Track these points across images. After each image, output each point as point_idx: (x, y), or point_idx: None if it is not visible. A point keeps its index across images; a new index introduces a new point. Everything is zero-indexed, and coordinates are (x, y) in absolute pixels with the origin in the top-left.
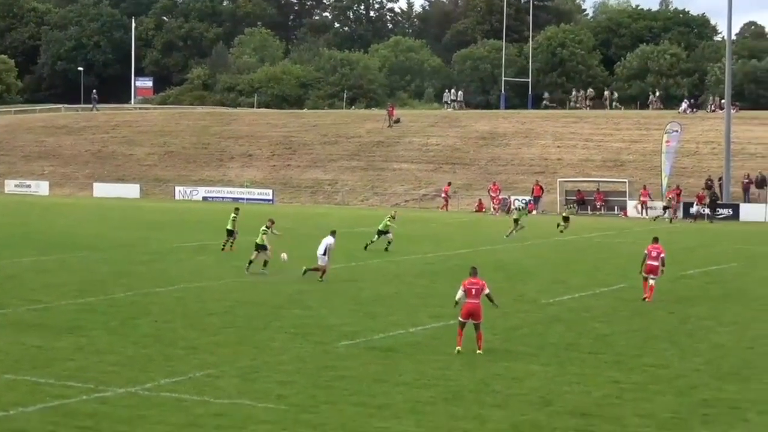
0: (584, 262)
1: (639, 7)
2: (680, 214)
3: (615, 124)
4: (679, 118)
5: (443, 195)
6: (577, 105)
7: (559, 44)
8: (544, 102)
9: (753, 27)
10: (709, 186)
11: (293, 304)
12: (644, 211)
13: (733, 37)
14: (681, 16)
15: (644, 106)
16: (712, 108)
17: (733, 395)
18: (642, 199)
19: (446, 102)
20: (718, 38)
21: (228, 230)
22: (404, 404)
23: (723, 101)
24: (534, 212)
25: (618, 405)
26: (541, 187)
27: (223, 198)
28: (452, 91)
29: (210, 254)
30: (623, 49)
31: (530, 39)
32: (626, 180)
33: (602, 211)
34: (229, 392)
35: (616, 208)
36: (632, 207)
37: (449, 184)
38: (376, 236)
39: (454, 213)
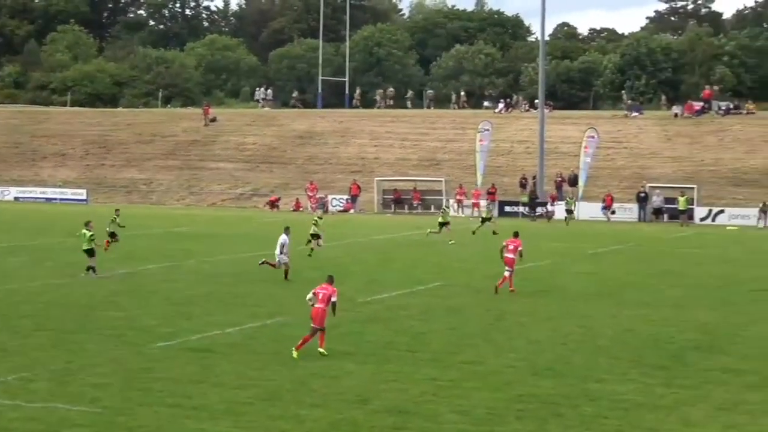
0: (401, 260)
1: (454, 8)
2: (496, 212)
3: (431, 124)
4: (494, 117)
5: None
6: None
7: (376, 43)
8: (355, 101)
9: (566, 28)
10: (523, 184)
11: (108, 305)
12: (460, 209)
13: (547, 38)
14: (496, 16)
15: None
16: (526, 108)
17: (547, 390)
18: (458, 197)
19: (257, 100)
20: (531, 39)
21: (109, 232)
22: (221, 405)
23: (537, 101)
24: (351, 211)
25: (434, 402)
26: (359, 186)
27: (35, 198)
28: (263, 89)
29: (23, 255)
30: (439, 49)
31: (347, 38)
32: (443, 179)
33: (419, 210)
34: (42, 396)
35: (432, 206)
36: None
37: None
38: (314, 241)
39: (269, 213)
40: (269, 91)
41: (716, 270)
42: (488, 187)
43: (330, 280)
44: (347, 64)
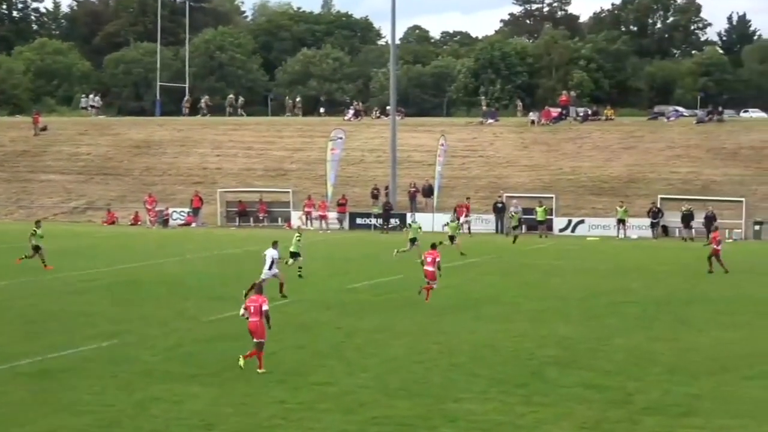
0: (246, 276)
1: (300, 10)
2: (346, 224)
3: (277, 132)
4: (344, 125)
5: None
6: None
7: (218, 47)
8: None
9: (417, 31)
10: (375, 195)
11: None
12: (309, 222)
13: (398, 42)
14: (344, 19)
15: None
16: (377, 114)
17: (403, 411)
18: (306, 209)
19: (84, 108)
20: (382, 42)
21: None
22: None
23: (388, 107)
24: (193, 225)
25: (283, 426)
26: (201, 198)
27: None
28: (91, 95)
29: None
30: (285, 53)
31: (187, 41)
32: (290, 189)
33: (266, 223)
34: None
35: (279, 219)
36: (296, 218)
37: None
38: (291, 259)
39: (105, 228)
40: (97, 98)
41: (576, 282)
42: (339, 198)
43: (259, 290)
44: (187, 69)
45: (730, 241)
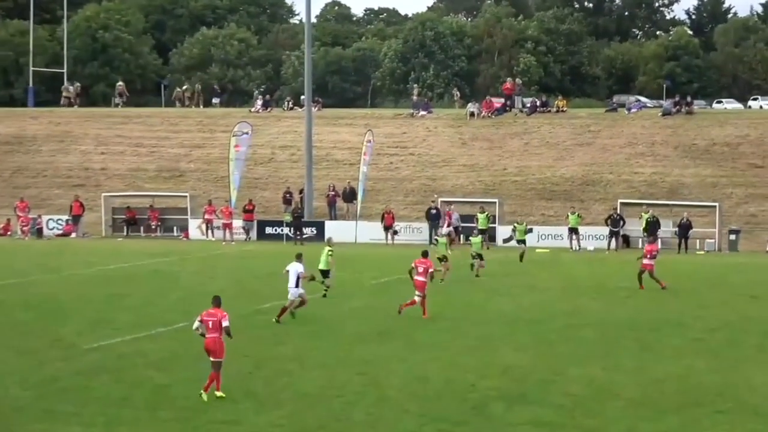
0: (136, 296)
1: None
2: (254, 234)
3: (173, 126)
4: (251, 117)
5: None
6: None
7: (101, 26)
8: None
9: (337, 8)
10: (288, 200)
11: None
12: (210, 231)
13: (314, 21)
14: None
15: (207, 103)
16: (290, 105)
17: None
18: (207, 216)
19: None
20: (295, 21)
21: None
22: None
23: (303, 97)
24: (73, 235)
25: None
26: (82, 204)
27: None
28: None
29: None
30: (181, 34)
31: (65, 19)
32: (187, 194)
33: (159, 233)
34: None
35: (175, 228)
36: (195, 227)
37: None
38: (323, 278)
39: None
40: None
41: (525, 302)
42: (245, 204)
43: (217, 303)
44: (65, 51)
45: (702, 253)
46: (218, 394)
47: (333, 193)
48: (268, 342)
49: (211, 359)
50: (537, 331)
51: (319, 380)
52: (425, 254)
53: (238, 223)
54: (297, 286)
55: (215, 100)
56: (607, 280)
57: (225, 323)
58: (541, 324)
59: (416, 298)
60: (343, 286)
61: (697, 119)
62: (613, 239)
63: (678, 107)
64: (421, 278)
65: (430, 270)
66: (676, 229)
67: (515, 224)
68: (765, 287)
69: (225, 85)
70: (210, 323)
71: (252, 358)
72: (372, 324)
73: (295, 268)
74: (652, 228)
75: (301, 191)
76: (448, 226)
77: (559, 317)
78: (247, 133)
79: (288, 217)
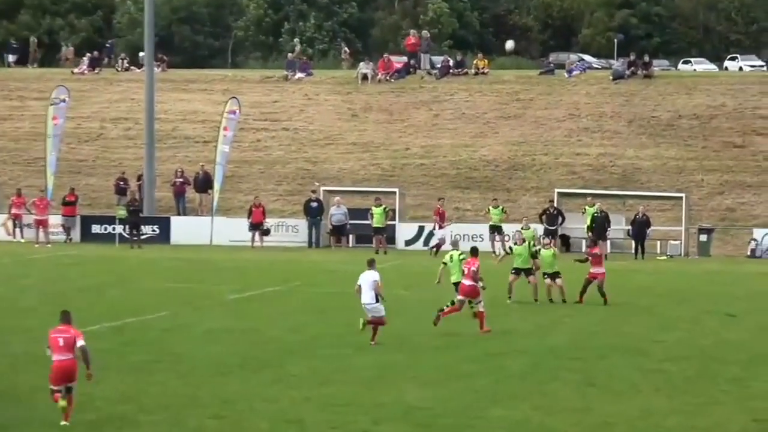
0: None
1: None
2: (77, 234)
3: None
4: (73, 80)
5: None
6: None
7: None
8: None
9: None
10: (121, 190)
11: None
12: (18, 230)
13: None
14: None
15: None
16: (125, 65)
17: None
18: (14, 211)
19: None
20: None
21: None
22: None
23: (142, 54)
24: None
25: None
26: None
27: None
28: None
29: None
30: None
31: None
32: None
33: None
34: None
35: None
36: None
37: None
38: None
39: None
40: None
41: (431, 322)
42: (65, 194)
43: (66, 319)
44: None
45: (664, 258)
46: (64, 423)
47: (181, 180)
48: (93, 376)
49: (61, 386)
50: (448, 360)
51: (160, 427)
52: (475, 252)
53: (55, 219)
54: (377, 300)
55: (11, 58)
56: (539, 294)
57: (80, 343)
58: (452, 351)
59: (477, 307)
60: (195, 301)
61: (657, 85)
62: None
63: (633, 69)
64: (467, 282)
65: (475, 269)
66: (630, 227)
67: (520, 230)
68: (745, 303)
69: (39, 38)
70: (61, 340)
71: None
72: (230, 352)
73: (370, 278)
74: (599, 226)
75: (139, 178)
76: (440, 228)
77: (478, 343)
78: (64, 101)
79: (122, 212)
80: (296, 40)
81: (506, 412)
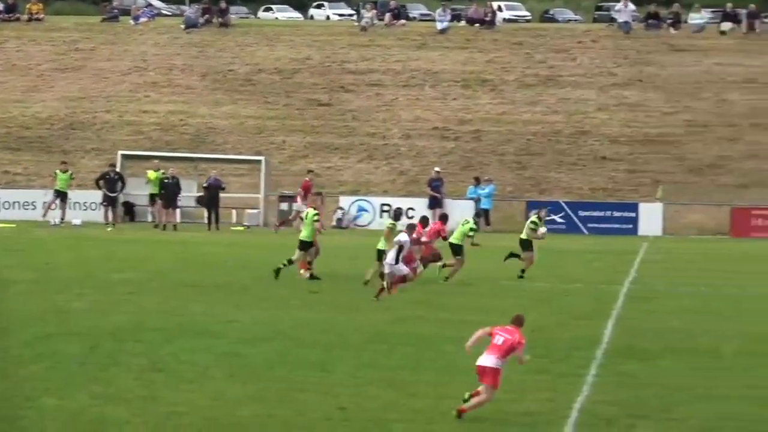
0: None
1: None
2: None
3: None
4: None
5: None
6: None
7: None
8: None
9: None
10: None
11: None
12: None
13: None
14: None
15: None
16: None
17: None
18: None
19: None
20: None
21: None
22: None
23: None
24: None
25: None
26: None
27: None
28: None
29: None
30: None
31: None
32: None
33: None
34: None
35: None
36: None
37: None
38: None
39: None
40: None
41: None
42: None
43: (518, 321)
44: None
45: (240, 228)
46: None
47: None
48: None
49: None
50: None
51: None
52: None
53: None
54: (397, 261)
55: None
56: (100, 269)
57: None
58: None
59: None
60: None
61: (235, 35)
62: (110, 209)
63: (208, 17)
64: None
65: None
66: (202, 194)
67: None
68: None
69: None
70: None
71: None
72: None
73: (400, 239)
74: (168, 192)
75: None
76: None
77: (29, 324)
78: None
79: None
80: None
81: (61, 402)
